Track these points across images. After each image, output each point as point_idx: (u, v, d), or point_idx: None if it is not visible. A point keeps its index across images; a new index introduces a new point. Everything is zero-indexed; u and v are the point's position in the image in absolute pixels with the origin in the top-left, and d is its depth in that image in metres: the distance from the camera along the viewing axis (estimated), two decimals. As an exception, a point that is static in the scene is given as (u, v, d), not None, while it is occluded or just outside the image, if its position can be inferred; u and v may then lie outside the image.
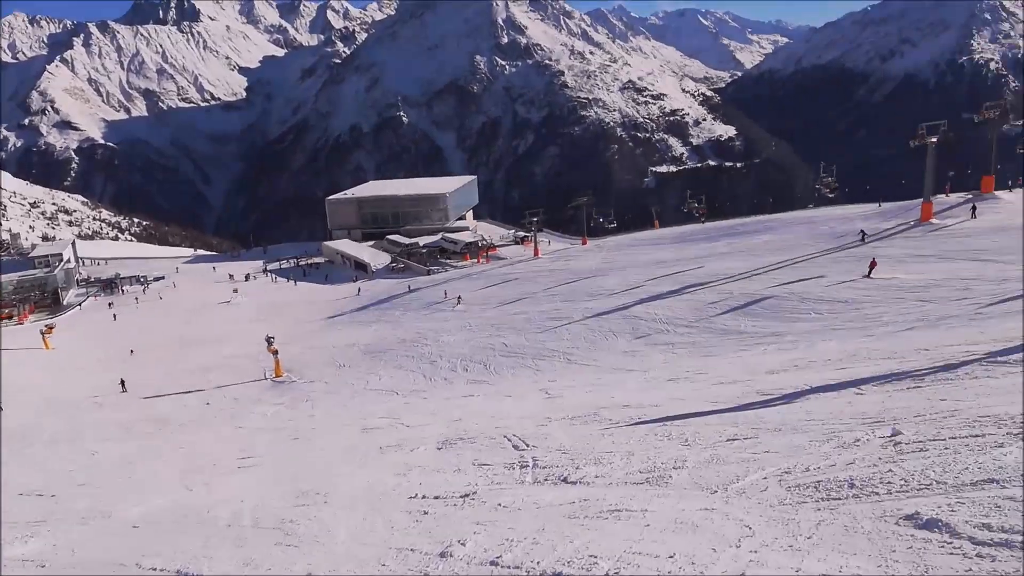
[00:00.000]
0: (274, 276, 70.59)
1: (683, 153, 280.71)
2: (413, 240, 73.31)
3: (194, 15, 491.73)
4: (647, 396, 10.94)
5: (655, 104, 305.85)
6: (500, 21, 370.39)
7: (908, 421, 6.37)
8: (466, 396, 17.71)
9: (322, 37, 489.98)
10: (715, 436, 6.85)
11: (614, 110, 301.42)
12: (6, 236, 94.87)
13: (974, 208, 32.58)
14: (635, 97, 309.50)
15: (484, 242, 70.99)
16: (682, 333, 22.82)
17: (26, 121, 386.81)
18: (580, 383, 16.26)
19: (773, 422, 6.94)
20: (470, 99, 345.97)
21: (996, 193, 38.13)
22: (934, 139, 34.44)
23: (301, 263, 74.74)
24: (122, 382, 33.64)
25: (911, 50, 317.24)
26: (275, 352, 32.21)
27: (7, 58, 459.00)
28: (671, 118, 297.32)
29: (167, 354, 42.66)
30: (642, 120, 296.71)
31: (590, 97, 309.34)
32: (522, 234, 74.33)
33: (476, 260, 66.59)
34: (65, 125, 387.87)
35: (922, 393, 7.29)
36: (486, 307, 36.93)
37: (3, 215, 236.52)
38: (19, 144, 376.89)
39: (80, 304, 64.98)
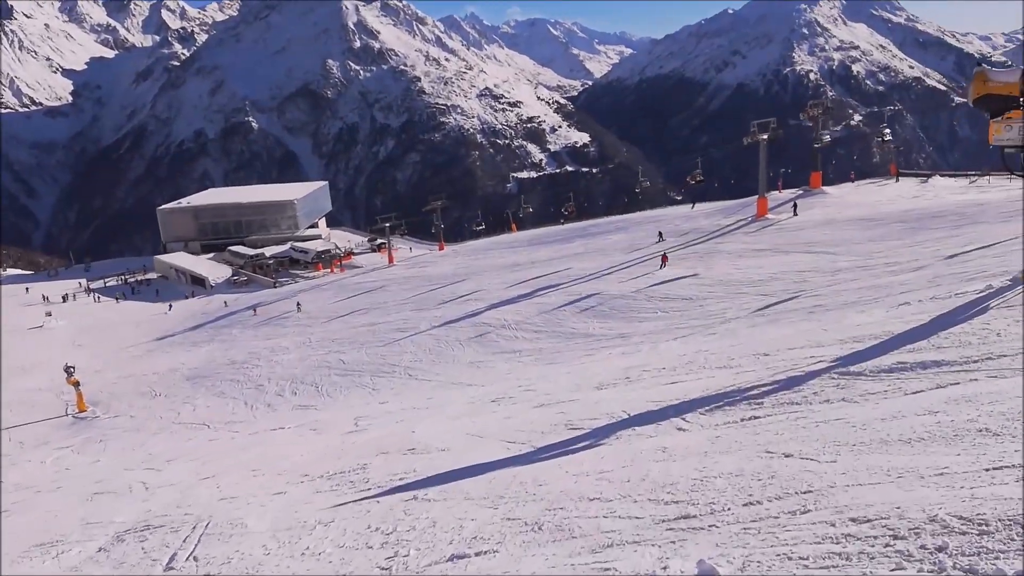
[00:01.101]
0: (97, 296, 63.42)
1: (542, 159, 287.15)
2: (259, 251, 68.59)
3: (7, 12, 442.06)
4: (447, 433, 9.29)
5: (512, 111, 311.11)
6: (351, 25, 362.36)
7: (726, 523, 3.69)
8: (275, 429, 15.33)
9: (157, 38, 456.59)
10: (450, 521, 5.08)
11: (473, 116, 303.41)
12: None
13: (795, 206, 33.97)
14: (493, 104, 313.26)
15: (337, 251, 67.70)
16: (530, 339, 21.57)
17: None
18: (400, 408, 14.40)
19: (541, 493, 5.22)
20: (324, 104, 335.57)
21: (824, 188, 40.42)
22: (765, 136, 35.82)
23: (129, 280, 67.75)
24: None
25: (741, 61, 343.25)
26: (76, 384, 27.92)
27: None
28: (528, 125, 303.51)
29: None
30: (501, 127, 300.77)
31: (448, 103, 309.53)
32: (379, 241, 71.45)
33: (329, 270, 63.39)
34: None
35: (757, 438, 5.20)
36: (331, 320, 34.30)
37: None
38: None
39: None
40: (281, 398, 21.81)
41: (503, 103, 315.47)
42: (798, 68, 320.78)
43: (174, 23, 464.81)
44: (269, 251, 68.46)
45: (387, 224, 57.14)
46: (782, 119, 38.86)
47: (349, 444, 10.32)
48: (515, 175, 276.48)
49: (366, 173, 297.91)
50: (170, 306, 54.70)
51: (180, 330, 45.20)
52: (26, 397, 32.61)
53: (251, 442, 14.24)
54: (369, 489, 6.80)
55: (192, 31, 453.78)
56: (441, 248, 60.67)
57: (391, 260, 56.26)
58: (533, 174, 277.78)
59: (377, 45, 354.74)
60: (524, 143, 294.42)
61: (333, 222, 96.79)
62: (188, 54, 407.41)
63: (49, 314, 55.14)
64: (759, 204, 35.19)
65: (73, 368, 28.54)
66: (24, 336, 50.08)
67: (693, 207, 48.48)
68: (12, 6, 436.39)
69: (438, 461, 7.45)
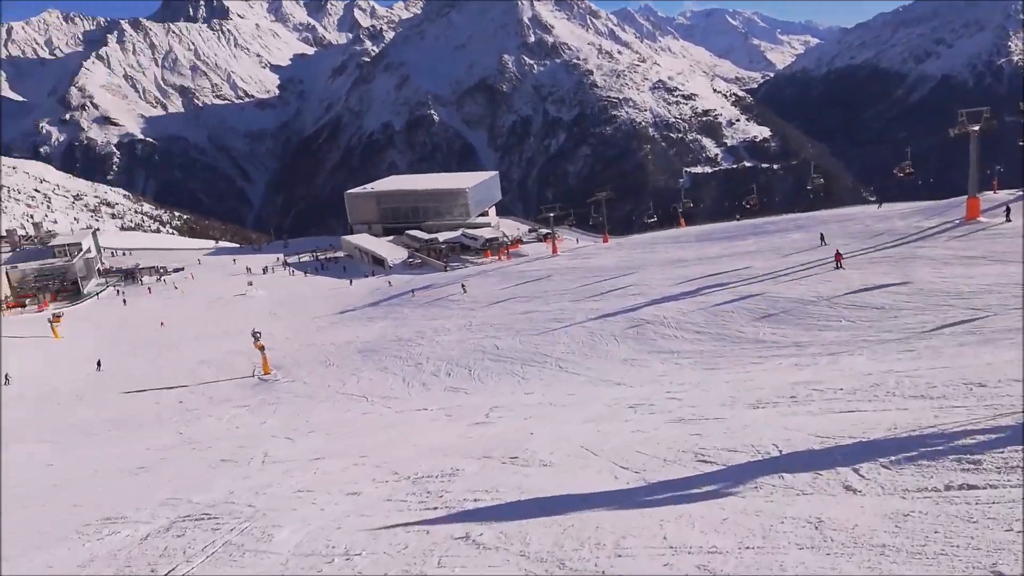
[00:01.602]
0: (292, 269, 69.55)
1: (717, 154, 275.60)
2: (432, 235, 71.70)
3: (223, 13, 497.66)
4: (563, 441, 8.77)
5: (687, 104, 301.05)
6: (526, 20, 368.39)
7: None
8: (420, 410, 15.74)
9: (350, 35, 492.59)
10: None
11: (645, 110, 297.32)
12: (22, 226, 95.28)
13: (1008, 210, 29.27)
14: (666, 97, 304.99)
15: (505, 238, 69.14)
16: (691, 339, 20.40)
17: (67, 116, 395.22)
18: (539, 401, 14.15)
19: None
20: (500, 98, 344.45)
21: (1050, 191, 34.71)
22: (976, 127, 31.23)
23: (319, 257, 73.67)
24: (98, 363, 35.00)
25: (946, 51, 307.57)
26: (262, 348, 30.54)
27: (44, 54, 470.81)
28: (703, 118, 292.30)
29: (167, 347, 41.62)
30: (674, 120, 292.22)
31: (620, 97, 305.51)
32: (545, 231, 72.17)
33: (497, 257, 64.79)
34: (105, 120, 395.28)
35: (974, 530, 3.37)
36: (492, 305, 34.85)
37: (48, 205, 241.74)
38: (61, 139, 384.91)
39: (98, 294, 64.63)
40: (436, 378, 22.40)
41: (677, 96, 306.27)
42: (1015, 58, 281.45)
43: (365, 21, 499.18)
44: (442, 236, 71.36)
45: (551, 214, 57.28)
46: (996, 113, 33.68)
47: (465, 439, 10.19)
48: (688, 170, 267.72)
49: (538, 165, 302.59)
50: (351, 281, 58.76)
51: (359, 305, 48.22)
52: (223, 358, 36.28)
53: (394, 421, 14.70)
54: (435, 508, 6.53)
55: (381, 29, 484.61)
56: (605, 240, 59.88)
57: (555, 250, 56.36)
58: (707, 169, 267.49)
59: (551, 39, 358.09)
60: (698, 137, 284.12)
61: (504, 211, 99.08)
62: (377, 51, 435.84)
63: (251, 284, 61.10)
64: (970, 205, 30.85)
65: (259, 333, 31.29)
66: (229, 303, 55.89)
67: (880, 206, 44.00)
68: (228, 7, 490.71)
69: (531, 480, 7.01)
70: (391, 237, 75.90)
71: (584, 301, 30.04)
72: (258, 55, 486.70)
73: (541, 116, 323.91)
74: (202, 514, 7.96)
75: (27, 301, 60.18)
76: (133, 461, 14.37)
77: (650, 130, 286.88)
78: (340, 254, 74.85)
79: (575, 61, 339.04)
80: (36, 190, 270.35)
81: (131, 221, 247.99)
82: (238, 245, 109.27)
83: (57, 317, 49.65)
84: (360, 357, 29.23)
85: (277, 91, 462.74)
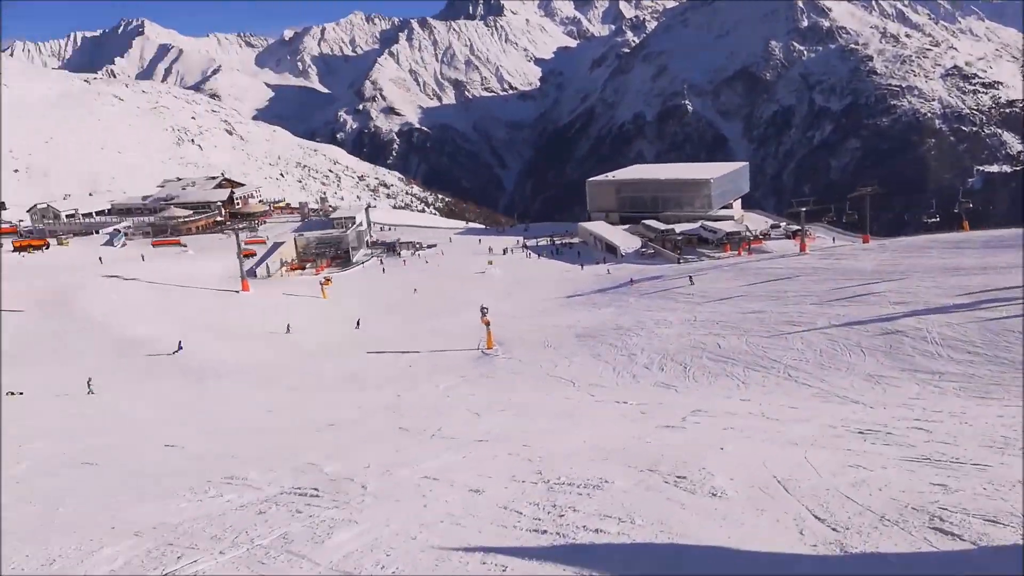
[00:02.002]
0: (529, 252, 71.91)
1: (1021, 151, 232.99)
2: (669, 226, 69.52)
3: (499, 10, 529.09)
4: (742, 471, 6.87)
5: (986, 93, 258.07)
6: (800, 4, 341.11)
7: None
8: (620, 402, 14.69)
9: (613, 27, 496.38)
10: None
11: (933, 99, 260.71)
12: (316, 200, 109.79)
13: None
14: (961, 85, 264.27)
15: (747, 233, 64.74)
16: (960, 360, 16.82)
17: (360, 107, 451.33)
18: (751, 411, 12.26)
19: None
20: (761, 87, 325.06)
21: None
22: None
23: (556, 241, 75.27)
24: (357, 322, 40.27)
25: None
26: (487, 324, 31.60)
27: (348, 51, 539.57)
28: (1007, 110, 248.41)
29: (412, 315, 45.17)
30: (968, 111, 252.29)
31: (903, 85, 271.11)
32: (795, 227, 66.52)
33: (736, 252, 60.99)
34: (390, 111, 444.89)
35: None
36: (721, 300, 32.50)
37: (338, 184, 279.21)
38: (354, 127, 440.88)
39: (363, 263, 72.34)
40: (647, 371, 21.21)
41: (975, 84, 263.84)
42: None
43: (629, 12, 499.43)
44: (679, 227, 68.94)
45: (803, 209, 52.14)
46: None
47: (642, 443, 8.96)
48: (981, 168, 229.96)
49: (796, 158, 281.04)
50: (582, 266, 59.23)
51: (588, 291, 48.27)
52: (456, 330, 38.43)
53: (586, 410, 13.90)
54: (542, 533, 5.38)
55: (644, 19, 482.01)
56: (865, 240, 53.14)
57: (803, 248, 51.31)
58: (1006, 168, 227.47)
59: (826, 23, 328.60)
60: (998, 131, 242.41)
61: (751, 205, 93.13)
62: (638, 41, 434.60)
63: (491, 263, 64.30)
64: None
65: (487, 309, 32.45)
66: (469, 279, 59.27)
67: None
68: (504, 4, 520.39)
69: (684, 515, 5.52)
70: (627, 226, 75.03)
71: (828, 305, 26.64)
72: (525, 49, 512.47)
73: (806, 106, 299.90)
74: (312, 488, 7.85)
75: (307, 265, 69.26)
76: (333, 417, 15.41)
77: (936, 122, 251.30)
78: (575, 240, 75.74)
79: (852, 46, 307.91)
80: (330, 170, 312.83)
81: (401, 201, 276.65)
82: (484, 226, 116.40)
83: (328, 280, 56.44)
84: (577, 342, 28.99)
85: (538, 83, 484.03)
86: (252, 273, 62.14)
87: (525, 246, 74.73)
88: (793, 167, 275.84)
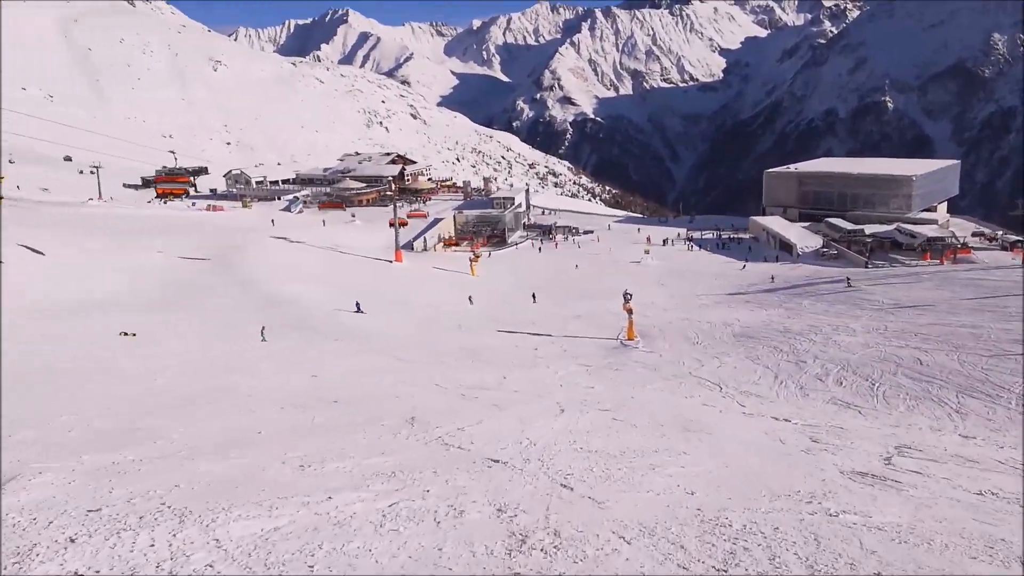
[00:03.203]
0: (691, 244, 66.95)
1: None
2: (858, 227, 61.38)
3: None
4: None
5: None
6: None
7: None
8: (780, 418, 10.95)
9: (809, 16, 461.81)
10: None
11: None
12: (483, 182, 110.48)
13: None
14: None
15: (953, 240, 55.64)
16: None
17: (537, 96, 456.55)
18: (980, 457, 8.15)
19: None
20: (978, 84, 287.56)
21: None
22: None
23: (723, 235, 69.51)
24: (470, 298, 39.41)
25: None
26: (630, 311, 28.26)
27: (531, 41, 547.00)
28: None
29: (556, 297, 42.83)
30: None
31: None
32: (1013, 238, 56.98)
33: (939, 260, 52.63)
34: (566, 100, 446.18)
35: None
36: (920, 312, 26.75)
37: (509, 171, 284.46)
38: (530, 115, 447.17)
39: (517, 244, 71.15)
40: (820, 383, 16.92)
41: None
42: None
43: (828, 0, 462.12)
44: (869, 228, 60.66)
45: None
46: None
47: (825, 523, 5.47)
48: None
49: (1014, 166, 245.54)
50: (744, 264, 53.96)
51: (752, 290, 43.44)
52: (597, 316, 35.56)
53: (732, 423, 10.46)
54: None
55: (844, 8, 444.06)
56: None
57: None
58: None
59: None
60: None
61: (956, 211, 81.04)
62: (835, 32, 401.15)
63: (647, 252, 60.62)
64: None
65: (630, 295, 29.09)
66: (623, 267, 55.93)
67: None
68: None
69: None
70: (806, 223, 67.46)
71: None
72: (710, 39, 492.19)
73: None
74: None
75: (462, 242, 69.14)
76: (419, 401, 13.32)
77: None
78: (745, 235, 69.44)
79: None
80: (503, 157, 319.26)
81: (568, 191, 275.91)
82: (641, 216, 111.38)
83: (477, 257, 55.59)
84: (732, 341, 24.91)
85: (721, 74, 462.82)
86: (409, 246, 63.06)
87: (688, 238, 69.67)
88: (1009, 175, 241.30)
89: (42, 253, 37.22)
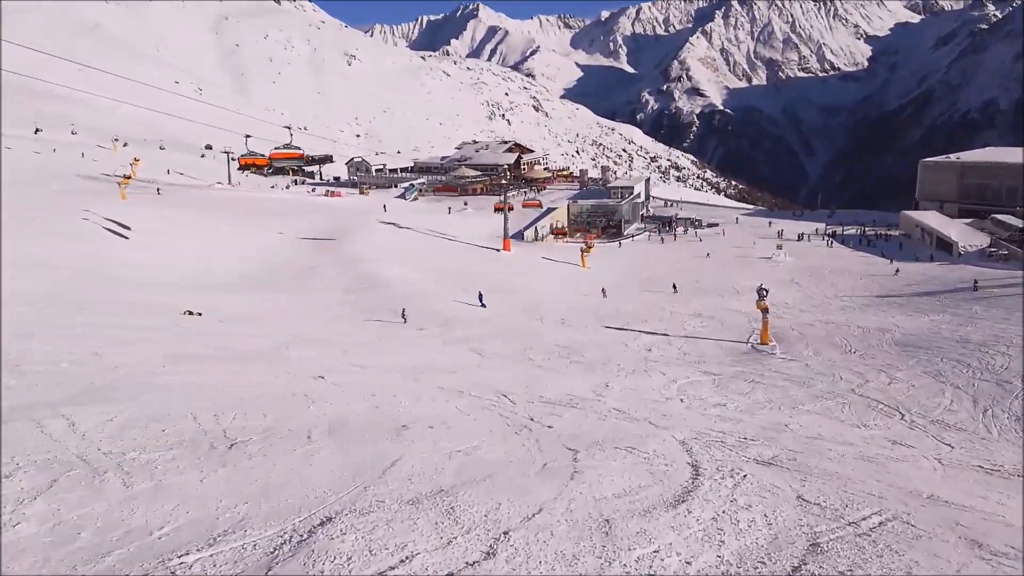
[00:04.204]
0: (830, 240, 60.19)
1: None
2: (1036, 225, 52.59)
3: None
4: None
5: None
6: None
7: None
8: (987, 469, 6.93)
9: (970, 0, 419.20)
10: None
11: None
12: (600, 171, 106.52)
13: None
14: None
15: None
16: None
17: (664, 87, 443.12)
18: None
19: None
20: None
21: None
22: None
23: (867, 231, 62.08)
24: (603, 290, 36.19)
25: None
26: (765, 310, 24.05)
27: (660, 31, 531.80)
28: None
29: (669, 294, 38.95)
30: None
31: None
32: None
33: None
34: (694, 92, 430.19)
35: None
36: None
37: (630, 164, 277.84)
38: (655, 107, 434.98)
39: (633, 236, 67.04)
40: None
41: None
42: None
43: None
44: (1051, 227, 51.78)
45: None
46: None
47: None
48: None
49: None
50: (892, 262, 47.35)
51: (905, 292, 37.54)
52: (721, 314, 31.59)
53: (950, 480, 6.60)
54: None
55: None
56: None
57: None
58: None
59: None
60: None
61: None
62: (1001, 16, 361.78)
63: (780, 247, 54.98)
64: None
65: (766, 291, 24.85)
66: (751, 263, 50.74)
67: None
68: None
69: None
70: (968, 220, 58.81)
71: None
72: (855, 26, 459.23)
73: None
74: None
75: (578, 233, 65.82)
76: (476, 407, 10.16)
77: None
78: (895, 232, 61.61)
79: None
80: (624, 149, 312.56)
81: (691, 185, 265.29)
82: (767, 209, 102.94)
83: (588, 248, 52.21)
84: (897, 351, 20.28)
85: (866, 63, 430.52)
86: (520, 235, 60.79)
87: (829, 234, 62.75)
88: None
89: (128, 228, 37.29)
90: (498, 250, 52.17)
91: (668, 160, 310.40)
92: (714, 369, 17.89)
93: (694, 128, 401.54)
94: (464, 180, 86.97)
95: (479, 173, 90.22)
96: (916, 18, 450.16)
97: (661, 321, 29.59)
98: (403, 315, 25.63)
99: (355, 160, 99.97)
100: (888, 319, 27.77)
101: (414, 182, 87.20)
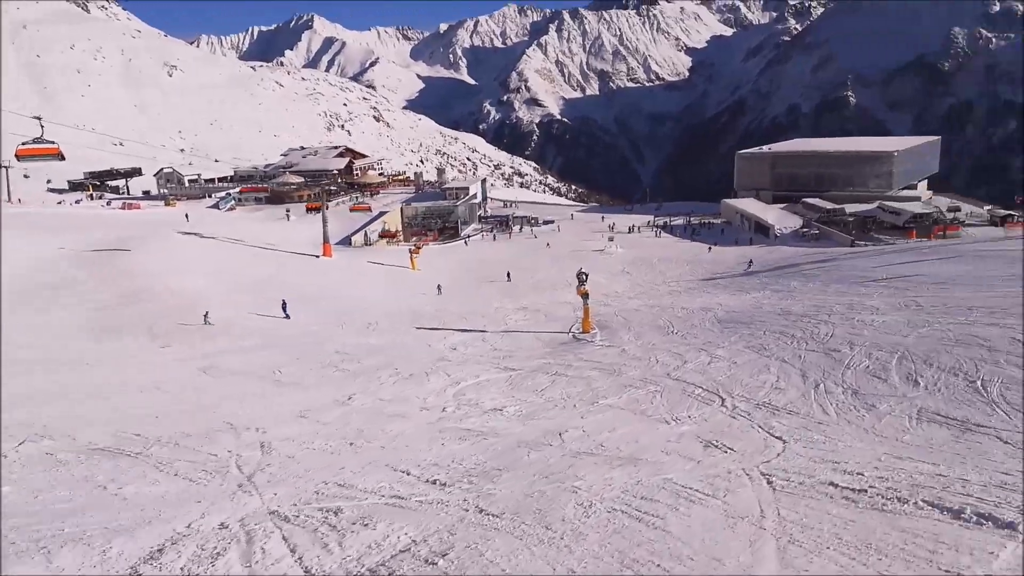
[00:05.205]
0: (658, 231, 61.05)
1: None
2: (837, 206, 56.10)
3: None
4: None
5: None
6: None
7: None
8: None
9: (774, 14, 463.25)
10: None
11: None
12: (435, 177, 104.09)
13: None
14: None
15: (940, 216, 50.94)
16: None
17: (504, 98, 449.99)
18: None
19: None
20: (938, 78, 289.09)
21: None
22: None
23: (692, 221, 63.71)
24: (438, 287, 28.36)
25: None
26: (585, 295, 21.83)
27: (498, 43, 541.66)
28: None
29: (505, 290, 36.63)
30: None
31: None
32: (1003, 212, 52.92)
33: (927, 238, 47.99)
34: (532, 102, 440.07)
35: None
36: (942, 287, 20.67)
37: (474, 171, 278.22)
38: (497, 117, 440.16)
39: (468, 237, 64.79)
40: (879, 382, 10.50)
41: None
42: None
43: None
44: (850, 207, 55.45)
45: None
46: None
47: None
48: None
49: (972, 157, 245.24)
50: (711, 249, 48.38)
51: (729, 274, 37.64)
52: (547, 307, 29.72)
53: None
54: None
55: (809, 6, 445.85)
56: None
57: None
58: None
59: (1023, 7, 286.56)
60: None
61: (939, 189, 76.13)
62: (800, 29, 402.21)
63: (611, 240, 54.99)
64: None
65: (586, 275, 22.74)
66: (585, 256, 49.82)
67: None
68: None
69: None
70: (783, 205, 62.13)
71: None
72: (676, 38, 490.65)
73: (987, 100, 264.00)
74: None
75: (411, 237, 62.49)
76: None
77: None
78: (717, 220, 63.83)
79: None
80: (468, 158, 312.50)
81: (534, 191, 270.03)
82: (604, 204, 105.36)
83: (417, 250, 49.17)
84: (718, 328, 18.66)
85: (687, 73, 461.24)
86: (347, 241, 56.58)
87: (657, 225, 63.77)
88: (967, 166, 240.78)
89: None
90: (318, 256, 47.60)
91: (511, 167, 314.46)
92: (517, 365, 15.15)
93: (534, 137, 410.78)
94: (288, 187, 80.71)
95: (303, 180, 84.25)
96: (729, 31, 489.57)
97: (484, 317, 26.94)
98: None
99: (164, 171, 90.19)
100: (713, 299, 26.81)
101: (231, 191, 79.83)
